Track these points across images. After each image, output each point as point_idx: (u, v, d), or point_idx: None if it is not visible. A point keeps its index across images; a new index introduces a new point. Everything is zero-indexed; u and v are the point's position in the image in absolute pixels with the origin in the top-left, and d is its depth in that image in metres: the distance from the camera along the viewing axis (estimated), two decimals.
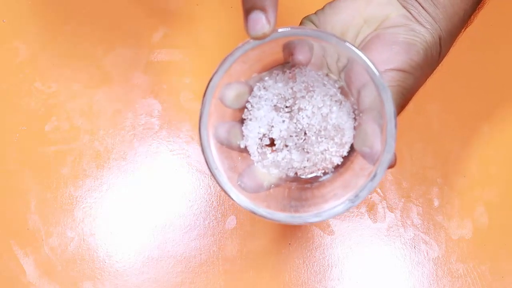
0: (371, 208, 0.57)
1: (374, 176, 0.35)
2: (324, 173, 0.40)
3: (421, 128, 0.59)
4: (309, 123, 0.39)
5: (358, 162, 0.39)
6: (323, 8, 0.43)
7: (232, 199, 0.36)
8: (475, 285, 0.56)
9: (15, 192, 0.58)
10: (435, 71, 0.44)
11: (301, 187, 0.40)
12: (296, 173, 0.40)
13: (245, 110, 0.40)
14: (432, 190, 0.58)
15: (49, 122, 0.59)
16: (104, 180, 0.58)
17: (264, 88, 0.40)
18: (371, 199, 0.58)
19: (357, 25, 0.42)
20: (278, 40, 0.36)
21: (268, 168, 0.39)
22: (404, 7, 0.42)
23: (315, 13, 0.44)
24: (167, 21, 0.61)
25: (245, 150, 0.40)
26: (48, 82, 0.60)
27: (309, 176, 0.40)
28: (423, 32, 0.41)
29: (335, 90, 0.40)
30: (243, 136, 0.40)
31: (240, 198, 0.36)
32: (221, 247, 0.57)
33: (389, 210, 0.57)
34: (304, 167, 0.40)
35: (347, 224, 0.57)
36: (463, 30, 0.45)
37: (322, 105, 0.39)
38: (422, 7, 0.42)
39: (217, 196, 0.58)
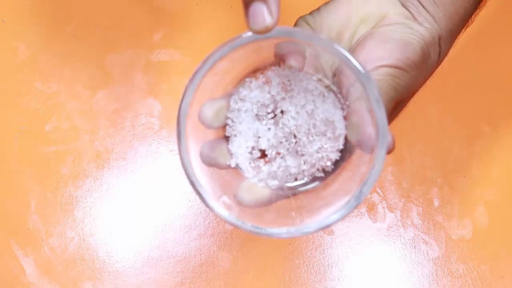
0: (371, 208, 0.57)
1: (373, 166, 0.32)
2: (325, 173, 0.38)
3: (421, 128, 0.59)
4: (296, 124, 0.37)
5: (356, 157, 0.36)
6: (318, 9, 0.42)
7: (240, 226, 0.34)
8: (475, 285, 0.56)
9: (15, 192, 0.58)
10: (435, 72, 0.44)
11: (301, 193, 0.38)
12: (295, 179, 0.38)
13: (227, 127, 0.37)
14: (432, 190, 0.58)
15: (49, 122, 0.59)
16: (104, 180, 0.58)
17: (241, 99, 0.37)
18: (371, 199, 0.58)
19: (354, 25, 0.41)
20: (248, 45, 0.33)
21: (265, 181, 0.37)
22: (404, 6, 0.41)
23: (311, 13, 0.42)
24: (167, 21, 0.61)
25: (236, 168, 0.37)
26: (48, 82, 0.60)
27: (309, 179, 0.38)
28: (421, 31, 0.40)
29: (314, 83, 0.37)
30: (231, 154, 0.37)
31: (239, 221, 0.34)
32: (221, 247, 0.57)
33: (389, 210, 0.57)
34: (303, 171, 0.37)
35: (347, 224, 0.57)
36: (463, 30, 0.44)
37: (304, 102, 0.37)
38: (422, 6, 0.41)
39: None
